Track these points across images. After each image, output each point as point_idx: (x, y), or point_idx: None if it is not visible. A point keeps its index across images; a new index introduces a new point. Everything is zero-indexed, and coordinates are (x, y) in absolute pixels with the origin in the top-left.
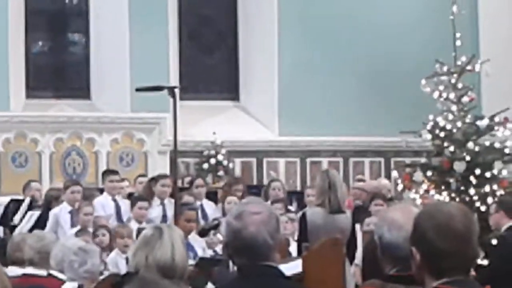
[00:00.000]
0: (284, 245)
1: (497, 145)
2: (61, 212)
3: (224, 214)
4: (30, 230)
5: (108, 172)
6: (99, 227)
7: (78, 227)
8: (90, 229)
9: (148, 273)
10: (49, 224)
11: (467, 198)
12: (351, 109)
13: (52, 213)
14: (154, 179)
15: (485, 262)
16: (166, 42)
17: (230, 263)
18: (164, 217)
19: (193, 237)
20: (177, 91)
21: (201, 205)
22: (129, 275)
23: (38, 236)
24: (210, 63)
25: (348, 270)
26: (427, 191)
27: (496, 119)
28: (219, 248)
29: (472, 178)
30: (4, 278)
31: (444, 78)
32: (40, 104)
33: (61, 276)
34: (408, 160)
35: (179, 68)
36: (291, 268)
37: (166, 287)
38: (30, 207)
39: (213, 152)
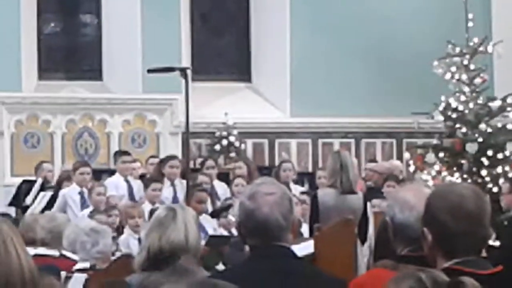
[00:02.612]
0: (296, 226)
1: (509, 126)
2: (70, 193)
3: (232, 195)
4: (42, 211)
5: (120, 153)
6: (111, 207)
7: (91, 208)
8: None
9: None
10: (56, 204)
11: (479, 180)
12: (363, 90)
13: (61, 193)
14: (163, 161)
15: (497, 243)
16: (178, 23)
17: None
18: (175, 198)
19: (205, 218)
20: (189, 72)
21: (212, 186)
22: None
23: (50, 216)
24: (222, 44)
25: (360, 251)
26: (439, 172)
27: (508, 100)
28: (234, 230)
29: (484, 160)
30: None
31: (456, 59)
32: (52, 85)
33: (73, 256)
34: (420, 142)
35: (191, 49)
36: (303, 248)
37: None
38: (42, 188)
39: (225, 133)
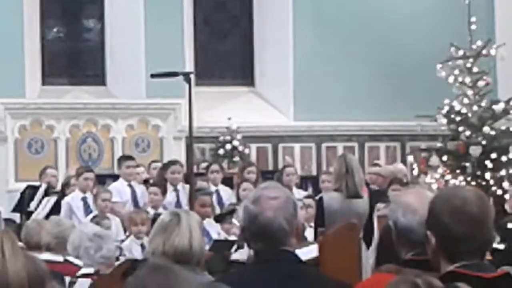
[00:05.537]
0: (300, 230)
1: None
2: (73, 200)
3: (238, 200)
4: (46, 217)
5: (124, 158)
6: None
7: (94, 213)
8: (108, 215)
9: (160, 259)
10: (62, 213)
11: (483, 182)
12: (366, 94)
13: (64, 201)
14: (165, 166)
15: (501, 246)
16: (181, 28)
17: (246, 248)
18: (178, 203)
19: (209, 223)
20: (192, 77)
21: (217, 191)
22: (141, 262)
23: (55, 221)
24: (225, 48)
25: (365, 255)
26: (443, 175)
27: None
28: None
29: (488, 162)
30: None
31: (459, 62)
32: (56, 90)
33: (77, 261)
34: (423, 145)
35: (194, 54)
36: (307, 253)
37: (178, 273)
38: (46, 194)
39: (228, 137)
